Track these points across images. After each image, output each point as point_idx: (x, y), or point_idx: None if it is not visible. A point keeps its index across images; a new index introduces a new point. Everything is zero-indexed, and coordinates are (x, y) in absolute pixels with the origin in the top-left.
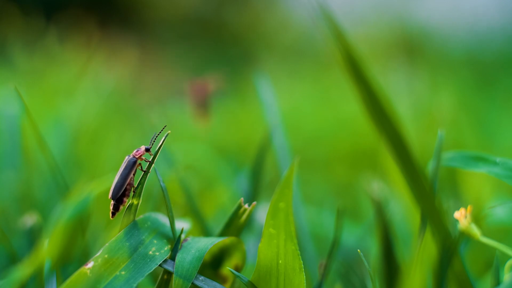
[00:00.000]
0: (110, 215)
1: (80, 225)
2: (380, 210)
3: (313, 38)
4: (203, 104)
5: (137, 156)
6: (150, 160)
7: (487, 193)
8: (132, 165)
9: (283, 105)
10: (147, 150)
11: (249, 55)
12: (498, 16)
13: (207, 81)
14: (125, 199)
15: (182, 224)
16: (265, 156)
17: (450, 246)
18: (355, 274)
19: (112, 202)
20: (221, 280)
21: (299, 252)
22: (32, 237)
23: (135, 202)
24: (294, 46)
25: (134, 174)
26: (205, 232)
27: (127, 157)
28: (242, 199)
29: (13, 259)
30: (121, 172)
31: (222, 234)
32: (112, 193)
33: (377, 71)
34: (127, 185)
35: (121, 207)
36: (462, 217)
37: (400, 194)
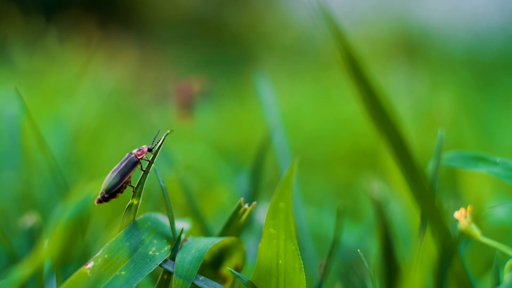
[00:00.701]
0: (96, 201)
1: (80, 225)
2: (380, 210)
3: (313, 38)
4: (187, 105)
5: (139, 157)
6: (150, 159)
7: (487, 193)
8: (133, 164)
9: (283, 105)
10: (150, 150)
11: (249, 55)
12: (498, 16)
13: (192, 82)
14: (118, 194)
15: (182, 224)
16: (265, 156)
17: (450, 246)
18: (355, 274)
19: (103, 193)
20: (221, 280)
21: (299, 252)
22: (32, 237)
23: (135, 202)
24: (294, 46)
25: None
26: (205, 232)
27: (128, 154)
28: (242, 199)
29: (13, 259)
30: (120, 168)
31: (222, 234)
32: (107, 187)
33: (377, 71)
34: (124, 182)
35: (111, 200)
36: (462, 217)
37: (400, 194)
